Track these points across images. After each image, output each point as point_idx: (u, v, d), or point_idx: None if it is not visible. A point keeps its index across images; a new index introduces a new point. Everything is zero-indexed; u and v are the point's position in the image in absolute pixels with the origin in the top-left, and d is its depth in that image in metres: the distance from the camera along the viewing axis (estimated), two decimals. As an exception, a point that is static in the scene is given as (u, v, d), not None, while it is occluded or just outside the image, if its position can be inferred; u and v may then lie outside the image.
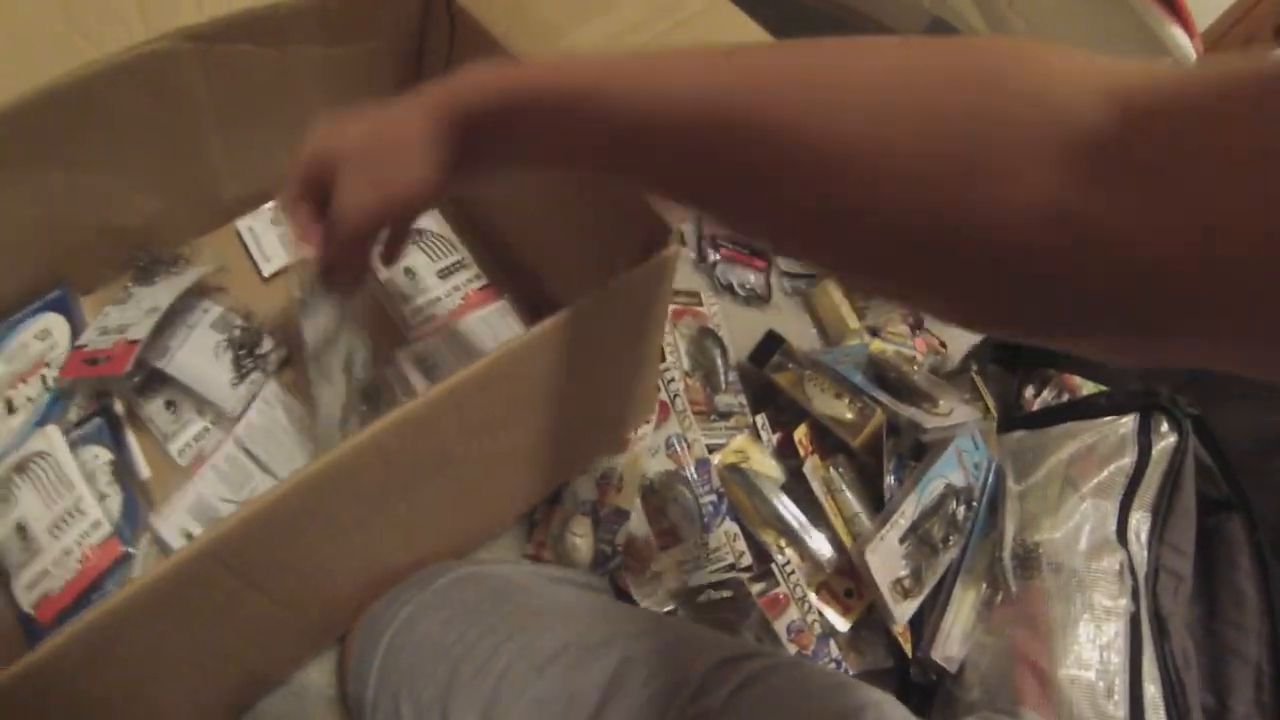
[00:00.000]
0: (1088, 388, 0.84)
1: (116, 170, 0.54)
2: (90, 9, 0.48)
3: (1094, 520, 0.65)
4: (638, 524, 0.57)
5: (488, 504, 0.53)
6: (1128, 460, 0.68)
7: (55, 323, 0.54)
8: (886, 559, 0.58)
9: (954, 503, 0.63)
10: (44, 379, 0.53)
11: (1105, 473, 0.68)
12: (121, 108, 0.50)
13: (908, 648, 0.59)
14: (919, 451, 0.66)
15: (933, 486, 0.63)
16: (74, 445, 0.51)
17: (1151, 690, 0.59)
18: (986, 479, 0.68)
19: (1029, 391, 0.90)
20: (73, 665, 0.33)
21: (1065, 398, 0.83)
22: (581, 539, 0.55)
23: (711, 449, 0.61)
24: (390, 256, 0.48)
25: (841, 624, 0.59)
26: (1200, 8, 0.80)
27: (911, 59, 0.26)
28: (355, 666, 0.45)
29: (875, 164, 0.24)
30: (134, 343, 0.51)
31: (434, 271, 0.62)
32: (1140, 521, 0.65)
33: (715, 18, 0.53)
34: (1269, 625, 0.64)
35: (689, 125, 0.28)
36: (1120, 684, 0.58)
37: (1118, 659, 0.59)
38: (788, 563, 0.58)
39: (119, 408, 0.54)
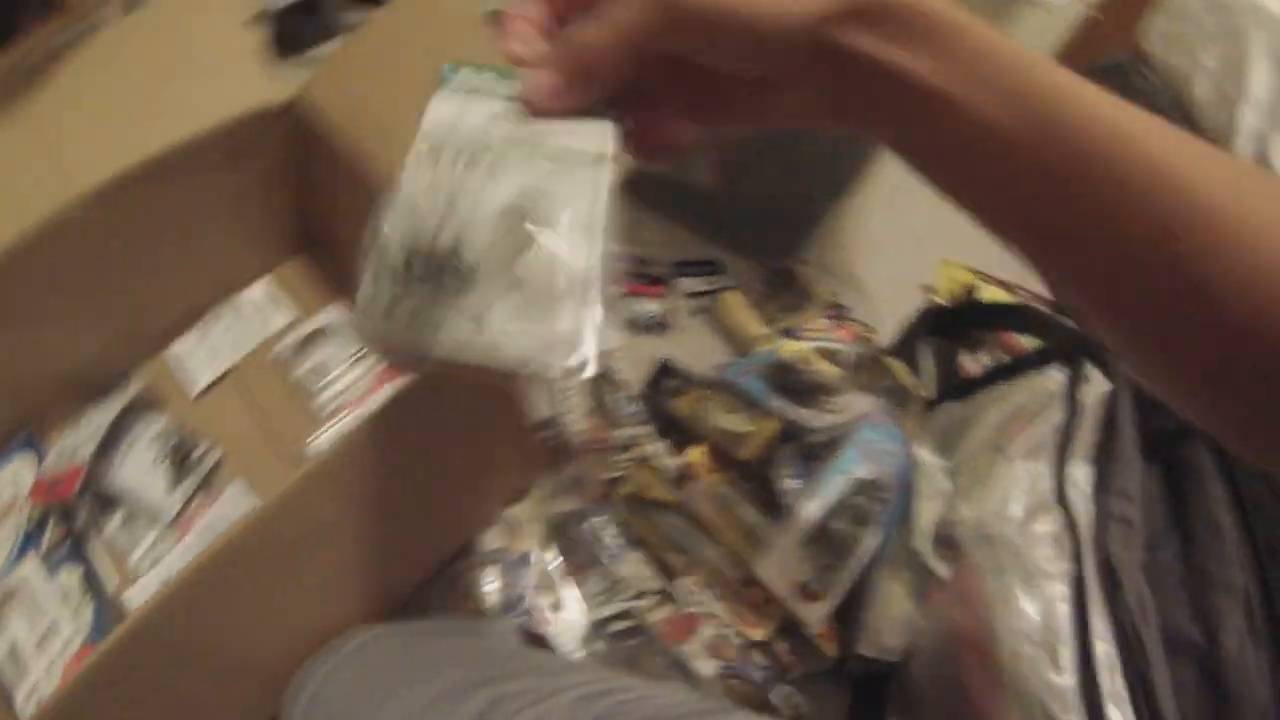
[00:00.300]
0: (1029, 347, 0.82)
1: (60, 321, 0.62)
2: (10, 179, 0.56)
3: (1026, 484, 0.63)
4: (545, 565, 0.62)
5: (388, 571, 0.58)
6: (1058, 416, 0.66)
7: (25, 463, 0.63)
8: (783, 566, 0.60)
9: (861, 497, 0.64)
10: (24, 516, 0.62)
11: (1035, 433, 0.65)
12: (55, 266, 0.57)
13: (829, 648, 0.61)
14: (823, 452, 0.67)
15: (834, 484, 0.63)
16: (53, 568, 0.60)
17: (1103, 649, 0.55)
18: (903, 466, 0.68)
19: (967, 360, 0.90)
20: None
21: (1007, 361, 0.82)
22: (490, 587, 0.60)
23: (615, 482, 0.64)
24: None
25: (757, 633, 0.61)
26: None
27: None
28: None
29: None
30: (80, 466, 0.59)
31: (345, 361, 0.68)
32: (1081, 474, 0.63)
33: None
34: (1249, 548, 0.61)
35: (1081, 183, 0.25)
36: (1067, 651, 0.55)
37: (1063, 624, 0.56)
38: (684, 584, 0.61)
39: (83, 525, 0.62)
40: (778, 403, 0.67)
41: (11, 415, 0.64)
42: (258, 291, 0.71)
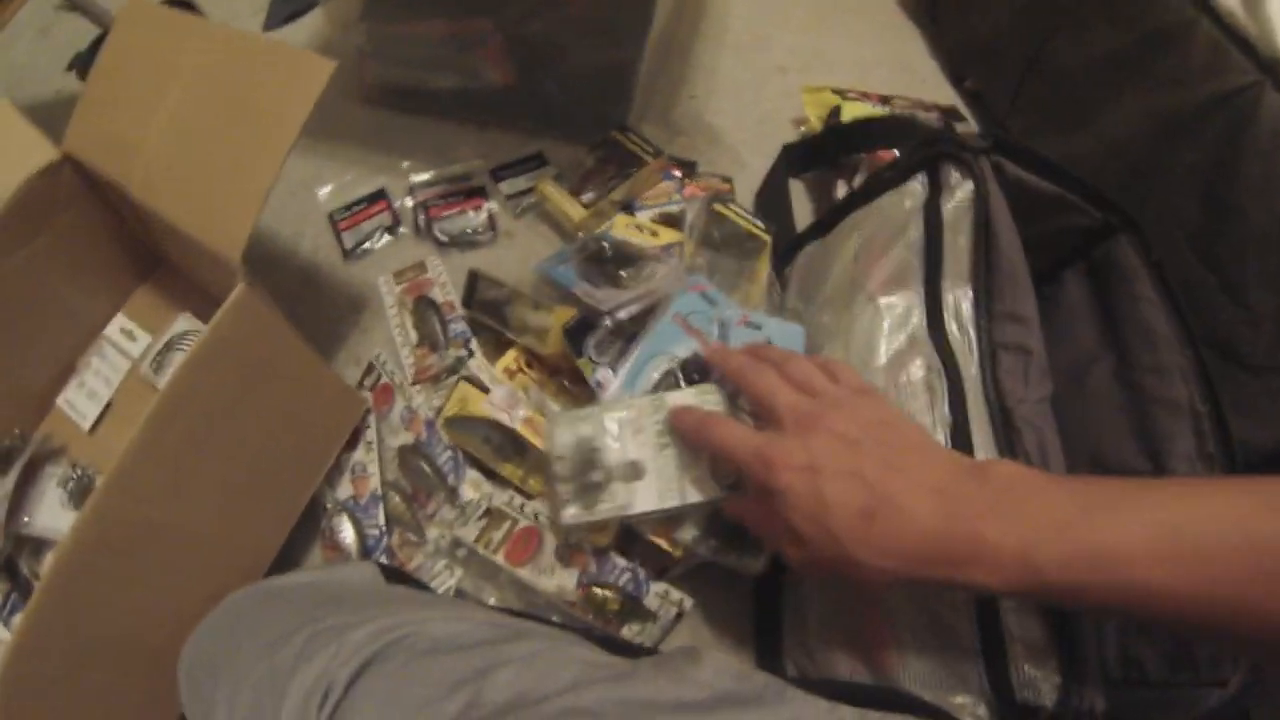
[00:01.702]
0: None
1: None
2: None
3: (890, 321, 0.54)
4: (397, 501, 0.64)
5: (243, 535, 0.62)
6: (914, 234, 0.56)
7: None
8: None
9: (681, 377, 0.58)
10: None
11: (895, 258, 0.56)
12: None
13: (669, 546, 0.57)
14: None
15: (650, 368, 0.59)
16: (7, 620, 0.69)
17: None
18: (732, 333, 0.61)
19: (843, 189, 0.82)
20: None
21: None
22: (346, 534, 0.63)
23: (441, 408, 0.65)
24: None
25: (601, 539, 0.59)
26: None
27: None
28: (182, 698, 0.56)
29: None
30: (-1, 530, 0.67)
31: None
32: (959, 299, 0.53)
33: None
34: (1190, 357, 0.53)
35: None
36: None
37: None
38: (513, 497, 0.60)
39: (26, 576, 0.71)
40: (580, 288, 0.65)
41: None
42: (114, 329, 0.77)
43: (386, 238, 0.79)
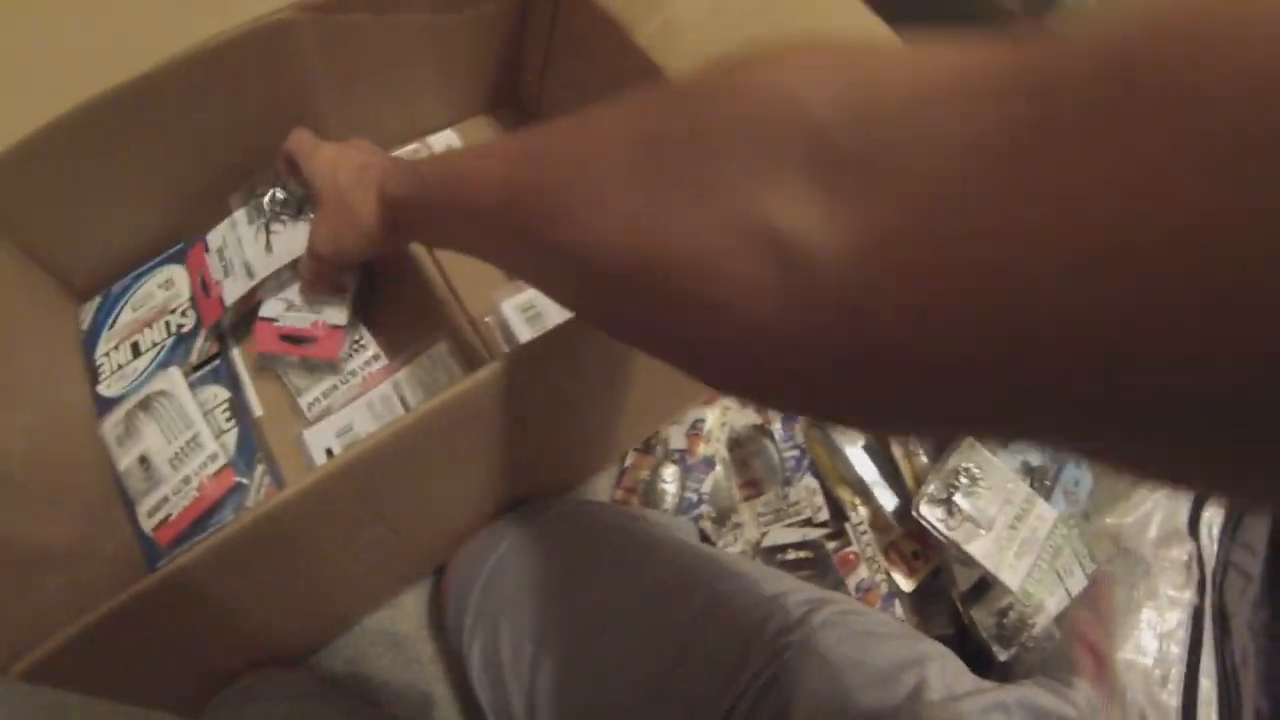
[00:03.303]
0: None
1: (237, 133, 0.57)
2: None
3: (1166, 509, 0.65)
4: (723, 475, 0.58)
5: (573, 455, 0.54)
6: None
7: (177, 273, 0.57)
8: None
9: (1028, 473, 0.61)
10: (168, 325, 0.56)
11: None
12: (245, 75, 0.52)
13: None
14: None
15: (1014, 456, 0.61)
16: (194, 386, 0.54)
17: (1206, 685, 0.59)
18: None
19: None
20: (215, 570, 0.35)
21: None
22: (669, 485, 0.56)
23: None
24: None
25: (906, 584, 0.59)
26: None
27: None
28: (456, 592, 0.47)
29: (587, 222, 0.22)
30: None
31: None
32: (1213, 516, 0.64)
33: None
34: None
35: (490, 220, 0.30)
36: (1177, 674, 0.58)
37: (1177, 649, 0.59)
38: (860, 522, 0.58)
39: (235, 353, 0.57)
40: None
41: (168, 224, 0.58)
42: (438, 142, 0.66)
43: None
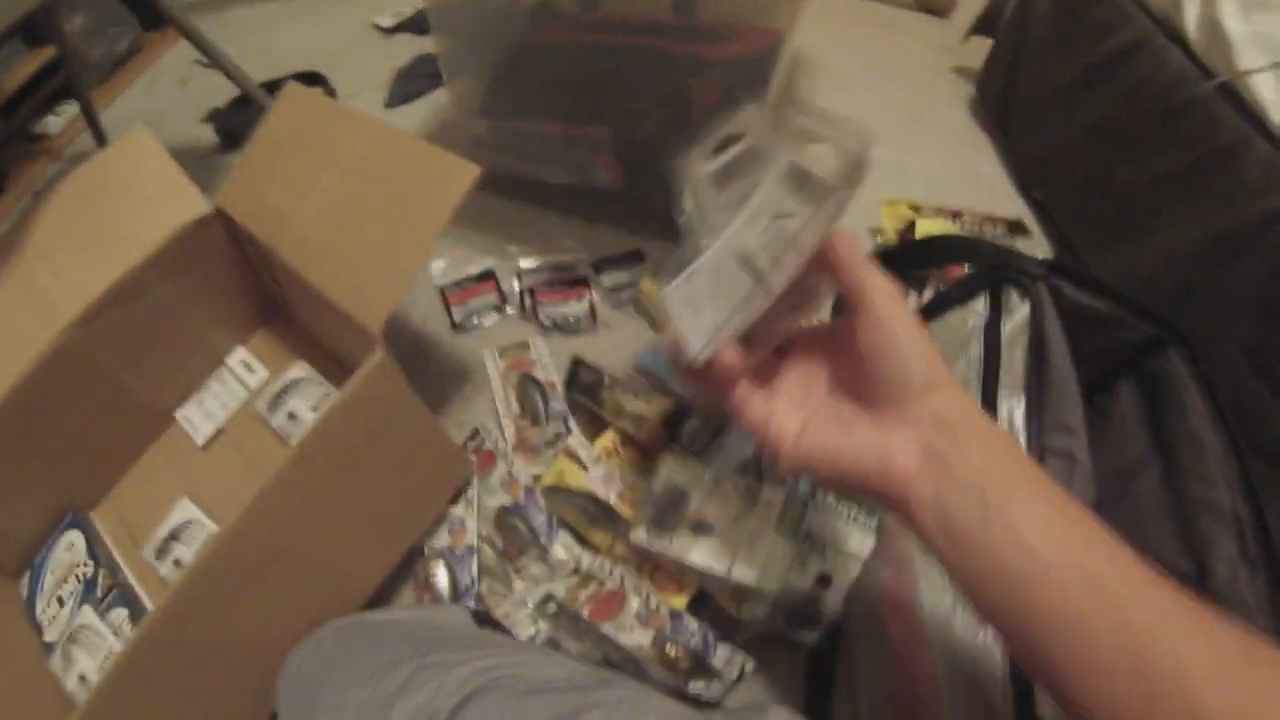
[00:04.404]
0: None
1: (84, 432, 0.77)
2: (4, 328, 0.72)
3: None
4: (491, 555, 0.71)
5: (351, 573, 0.69)
6: (975, 351, 0.62)
7: (75, 537, 0.78)
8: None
9: (758, 468, 0.67)
10: (77, 576, 0.76)
11: (955, 371, 0.62)
12: (58, 394, 0.72)
13: (735, 610, 0.64)
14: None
15: (735, 456, 0.68)
16: (104, 613, 0.74)
17: None
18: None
19: (912, 299, 0.91)
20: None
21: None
22: (440, 579, 0.70)
23: (539, 476, 0.73)
24: None
25: (679, 601, 0.66)
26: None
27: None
28: (277, 707, 0.61)
29: None
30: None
31: (309, 408, 0.80)
32: (1012, 409, 0.58)
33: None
34: (1235, 465, 0.57)
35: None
36: None
37: None
38: (603, 563, 0.68)
39: (130, 578, 0.76)
40: (675, 382, 0.73)
41: (55, 506, 0.79)
42: (235, 360, 0.84)
43: (495, 316, 0.87)
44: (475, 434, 0.78)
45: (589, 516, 0.70)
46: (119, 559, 0.77)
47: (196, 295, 0.79)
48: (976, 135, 1.13)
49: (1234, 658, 0.29)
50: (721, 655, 0.65)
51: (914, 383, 0.37)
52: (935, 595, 0.53)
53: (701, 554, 0.62)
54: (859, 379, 0.39)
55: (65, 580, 0.77)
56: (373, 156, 0.68)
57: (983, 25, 1.18)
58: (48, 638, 0.75)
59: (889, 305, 0.38)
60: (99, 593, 0.76)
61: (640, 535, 0.64)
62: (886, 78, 1.18)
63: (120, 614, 0.74)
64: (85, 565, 0.77)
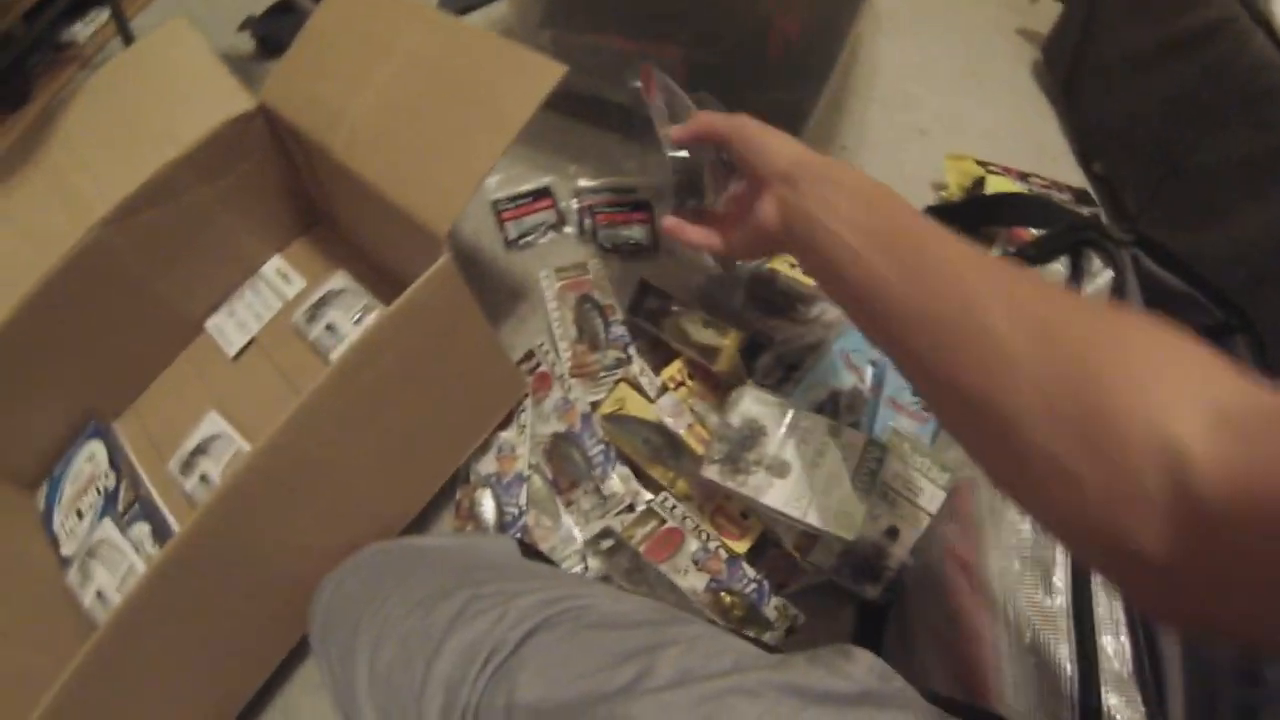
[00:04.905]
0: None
1: (107, 335, 0.71)
2: (33, 224, 0.66)
3: None
4: (541, 484, 0.66)
5: (391, 496, 0.64)
6: None
7: (96, 448, 0.73)
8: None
9: (834, 408, 0.63)
10: (97, 489, 0.71)
11: None
12: (83, 293, 0.66)
13: (799, 559, 0.59)
14: (803, 362, 0.65)
15: (810, 396, 0.63)
16: (125, 528, 0.69)
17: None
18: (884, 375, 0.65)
19: None
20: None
21: (1014, 255, 0.75)
22: (486, 508, 0.64)
23: (598, 404, 0.67)
24: None
25: (740, 545, 0.61)
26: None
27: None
28: (311, 632, 0.57)
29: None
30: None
31: (350, 320, 0.74)
32: None
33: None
34: None
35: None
36: (1061, 571, 0.50)
37: (1053, 549, 0.50)
38: (666, 499, 0.62)
39: (153, 493, 0.71)
40: (749, 315, 0.67)
41: (76, 413, 0.74)
42: (270, 269, 0.79)
43: (551, 234, 0.81)
44: (530, 355, 0.72)
45: (651, 448, 0.64)
46: (142, 472, 0.72)
47: (234, 198, 0.73)
48: (1038, 100, 1.06)
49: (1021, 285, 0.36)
50: (774, 606, 0.60)
51: (778, 167, 0.49)
52: (1003, 558, 0.51)
53: (777, 495, 0.57)
54: (752, 192, 0.52)
55: (85, 492, 0.72)
56: (437, 49, 0.61)
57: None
58: (65, 551, 0.70)
59: (749, 126, 0.52)
60: (120, 506, 0.71)
61: (713, 471, 0.58)
62: (949, 29, 1.12)
63: (142, 529, 0.69)
64: (107, 477, 0.72)
